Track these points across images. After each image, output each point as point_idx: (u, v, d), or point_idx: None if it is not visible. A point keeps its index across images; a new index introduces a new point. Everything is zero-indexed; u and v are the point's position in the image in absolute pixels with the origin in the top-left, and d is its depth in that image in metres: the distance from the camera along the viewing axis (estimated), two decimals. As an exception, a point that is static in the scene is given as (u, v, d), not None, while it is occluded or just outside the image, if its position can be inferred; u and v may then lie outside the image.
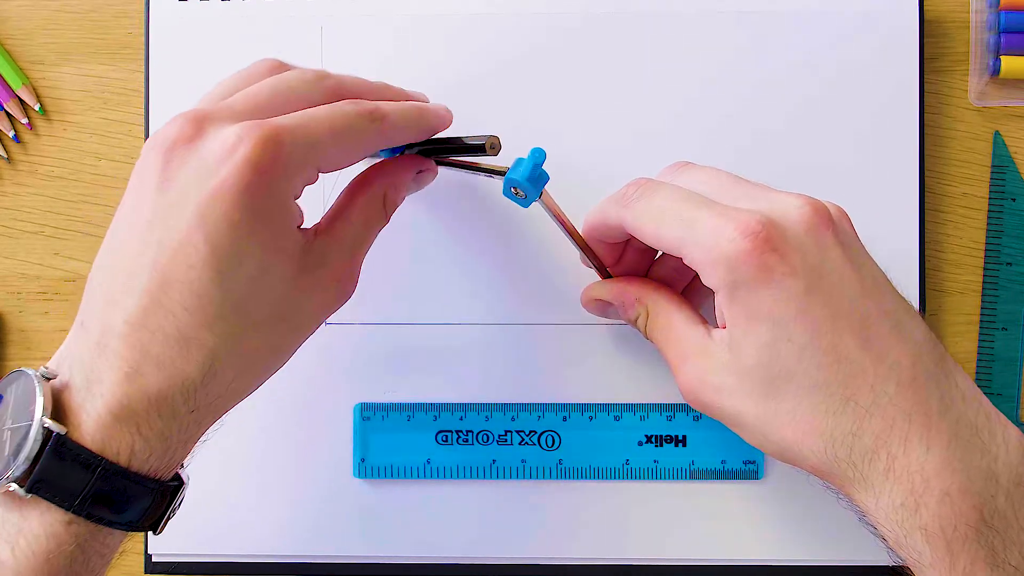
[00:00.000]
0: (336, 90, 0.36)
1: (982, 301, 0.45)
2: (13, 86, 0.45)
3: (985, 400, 0.33)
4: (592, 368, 0.43)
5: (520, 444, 0.43)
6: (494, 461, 0.43)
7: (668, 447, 0.43)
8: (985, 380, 0.44)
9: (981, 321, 0.45)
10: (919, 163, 0.43)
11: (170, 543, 0.44)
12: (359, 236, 0.37)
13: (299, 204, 0.34)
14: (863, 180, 0.43)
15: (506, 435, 0.43)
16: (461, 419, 0.44)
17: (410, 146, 0.39)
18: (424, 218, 0.44)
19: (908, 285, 0.43)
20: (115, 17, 0.46)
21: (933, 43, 0.45)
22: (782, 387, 0.33)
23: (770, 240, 0.32)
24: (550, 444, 0.43)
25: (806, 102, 0.43)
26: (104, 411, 0.30)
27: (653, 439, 0.43)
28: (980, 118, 0.45)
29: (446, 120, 0.39)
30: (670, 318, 0.37)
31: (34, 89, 0.46)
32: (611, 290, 0.40)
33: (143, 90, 0.45)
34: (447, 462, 0.43)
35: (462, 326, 0.44)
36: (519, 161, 0.36)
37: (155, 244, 0.31)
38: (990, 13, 0.44)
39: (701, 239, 0.33)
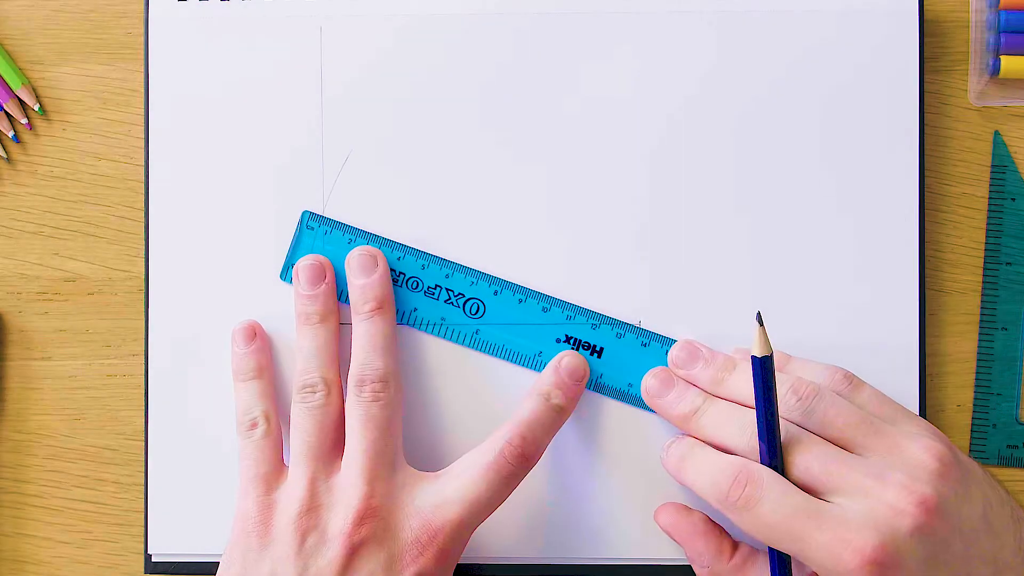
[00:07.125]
0: None
1: (982, 301, 0.45)
2: (12, 86, 0.45)
3: None
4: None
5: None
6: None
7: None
8: (985, 380, 0.44)
9: (981, 321, 0.45)
10: (919, 163, 0.43)
11: (170, 543, 0.44)
12: None
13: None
14: (863, 180, 0.43)
15: None
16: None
17: None
18: (430, 224, 0.44)
19: (908, 285, 0.43)
20: (115, 17, 0.46)
21: (933, 43, 0.45)
22: None
23: (884, 565, 0.35)
24: None
25: (805, 102, 0.43)
26: None
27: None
28: (980, 118, 0.45)
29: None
30: None
31: (33, 89, 0.46)
32: None
33: (143, 90, 0.45)
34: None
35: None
36: None
37: None
38: (990, 13, 0.44)
39: (816, 557, 0.35)
